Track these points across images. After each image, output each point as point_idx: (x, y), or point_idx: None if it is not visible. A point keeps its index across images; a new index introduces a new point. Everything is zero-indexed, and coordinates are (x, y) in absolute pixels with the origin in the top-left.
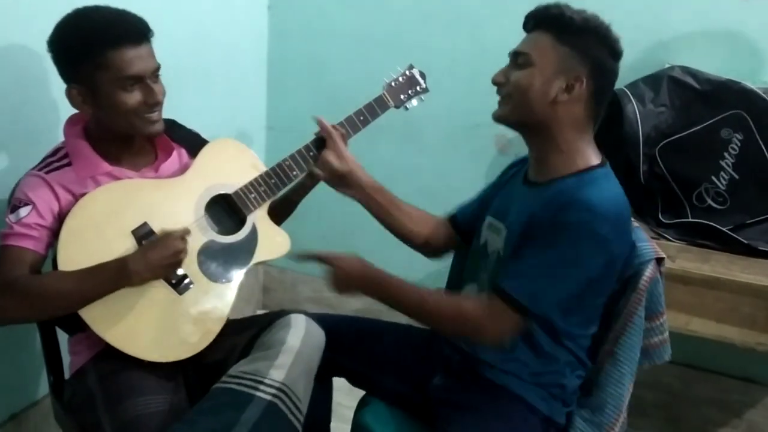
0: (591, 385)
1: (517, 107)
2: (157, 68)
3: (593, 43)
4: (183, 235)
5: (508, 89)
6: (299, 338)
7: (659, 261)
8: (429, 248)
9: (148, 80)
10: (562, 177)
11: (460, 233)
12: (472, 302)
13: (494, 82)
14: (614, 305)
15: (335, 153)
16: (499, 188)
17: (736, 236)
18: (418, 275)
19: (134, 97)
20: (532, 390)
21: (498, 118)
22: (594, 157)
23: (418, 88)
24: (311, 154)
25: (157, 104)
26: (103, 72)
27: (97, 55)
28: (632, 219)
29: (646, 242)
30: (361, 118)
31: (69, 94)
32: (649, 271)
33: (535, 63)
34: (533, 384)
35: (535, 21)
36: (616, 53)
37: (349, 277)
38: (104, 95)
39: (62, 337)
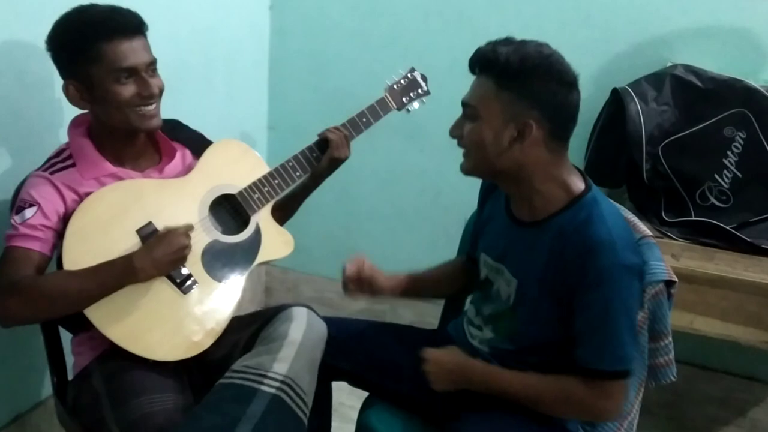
0: None
1: (477, 162)
2: (153, 61)
3: (538, 84)
4: (187, 231)
5: (465, 143)
6: (301, 331)
7: (669, 284)
8: (468, 291)
9: (143, 73)
10: (554, 214)
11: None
12: (574, 384)
13: (451, 136)
14: None
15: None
16: (482, 219)
17: (739, 234)
18: None
19: (128, 90)
20: None
21: (465, 172)
22: (577, 181)
23: (419, 90)
24: (314, 155)
25: (151, 97)
26: (98, 65)
27: (91, 49)
28: (651, 237)
29: (661, 262)
30: (364, 119)
31: (66, 90)
32: (655, 289)
33: (481, 116)
34: None
35: (476, 65)
36: (567, 83)
37: (448, 370)
38: (99, 89)
39: (65, 337)
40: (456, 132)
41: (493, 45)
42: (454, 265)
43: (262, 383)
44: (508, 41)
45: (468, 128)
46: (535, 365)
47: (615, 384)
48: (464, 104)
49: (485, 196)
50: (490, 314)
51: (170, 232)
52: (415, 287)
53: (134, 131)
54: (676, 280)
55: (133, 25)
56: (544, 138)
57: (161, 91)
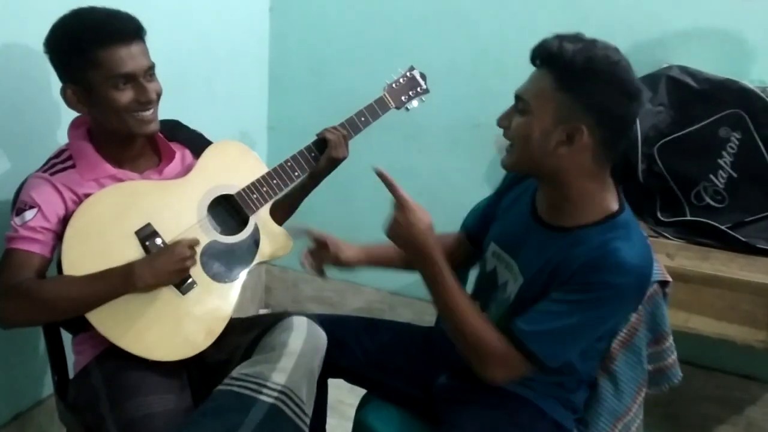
0: (590, 397)
1: (520, 157)
2: (151, 66)
3: (598, 89)
4: (191, 244)
5: (510, 136)
6: (301, 341)
7: (664, 284)
8: (457, 266)
9: (141, 79)
10: (582, 226)
11: (478, 246)
12: (493, 339)
13: (498, 125)
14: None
15: (334, 257)
16: (501, 206)
17: (734, 234)
18: (417, 275)
19: (126, 96)
20: (542, 398)
21: (506, 167)
22: (612, 203)
23: (418, 89)
24: (312, 154)
25: (149, 102)
26: (95, 71)
27: (89, 54)
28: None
29: (655, 263)
30: (362, 119)
31: (64, 94)
32: (651, 290)
33: (533, 111)
34: (543, 394)
35: (538, 57)
36: (629, 94)
37: (409, 233)
38: (97, 94)
39: (66, 336)
40: (504, 123)
41: (560, 40)
42: (444, 237)
43: (260, 392)
44: (577, 38)
45: (517, 122)
46: None
47: (525, 362)
48: (517, 97)
49: (510, 184)
50: (495, 314)
51: (174, 244)
52: (387, 254)
53: (132, 136)
54: (670, 280)
55: (131, 31)
56: (592, 146)
57: (159, 95)
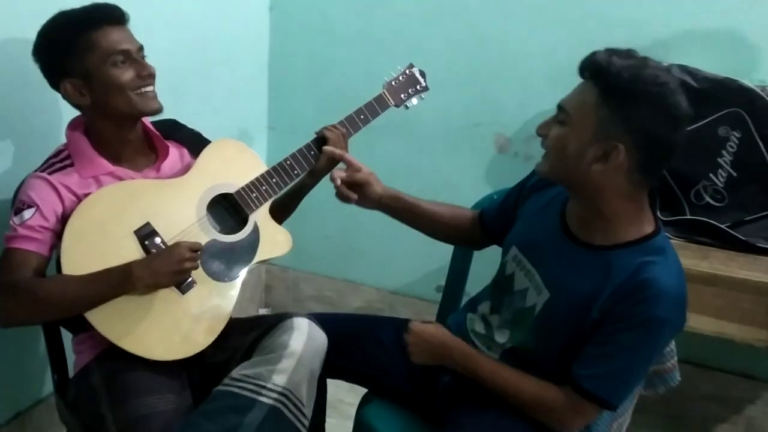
0: None
1: (554, 167)
2: (141, 47)
3: (641, 109)
4: (193, 248)
5: (548, 144)
6: (302, 342)
7: None
8: (467, 243)
9: (136, 56)
10: (616, 246)
11: (488, 235)
12: (555, 393)
13: (537, 134)
14: None
15: (353, 166)
16: (527, 208)
17: (734, 233)
18: (417, 275)
19: (127, 73)
20: None
21: (540, 174)
22: (647, 225)
23: (418, 86)
24: (312, 152)
25: (150, 76)
26: (92, 54)
27: (82, 40)
28: None
29: None
30: (362, 116)
31: (64, 91)
32: None
33: (572, 123)
34: None
35: (586, 69)
36: (674, 118)
37: (429, 345)
38: (98, 78)
39: (66, 336)
40: (543, 131)
41: (610, 54)
42: (461, 211)
43: (260, 393)
44: (628, 54)
45: (555, 131)
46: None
47: (593, 408)
48: (559, 107)
49: (541, 186)
50: (511, 318)
51: (175, 246)
52: (409, 206)
53: (137, 116)
54: None
55: (117, 15)
56: (629, 167)
57: (154, 75)
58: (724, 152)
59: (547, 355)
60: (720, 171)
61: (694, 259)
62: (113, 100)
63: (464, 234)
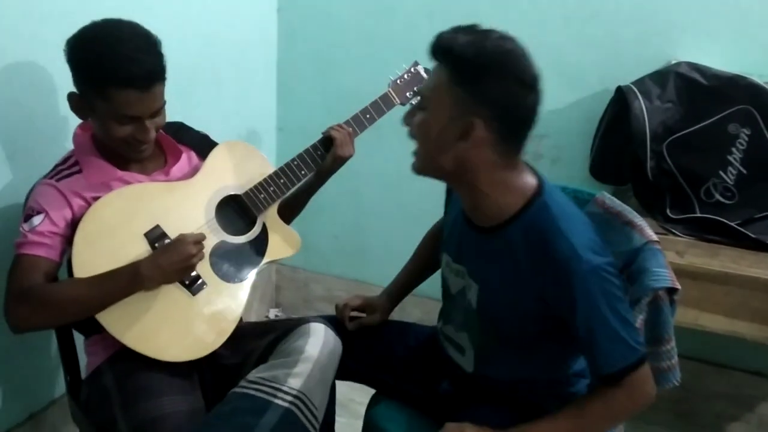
0: None
1: (424, 158)
2: (161, 107)
3: (490, 81)
4: (197, 240)
5: (413, 134)
6: (318, 347)
7: (672, 291)
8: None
9: (146, 120)
10: (507, 221)
11: None
12: (611, 393)
13: (403, 124)
14: None
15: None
16: (447, 219)
17: (744, 231)
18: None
19: (126, 130)
20: (548, 400)
21: (415, 171)
22: (529, 180)
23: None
24: (318, 152)
25: (145, 142)
26: (104, 102)
27: (102, 88)
28: (656, 243)
29: (664, 269)
30: (368, 116)
31: (69, 97)
32: (655, 295)
33: (430, 107)
34: (546, 396)
35: (435, 52)
36: (525, 83)
37: None
38: (99, 118)
39: (78, 337)
40: (407, 120)
41: (455, 32)
42: (429, 238)
43: (276, 396)
44: (470, 30)
45: (417, 118)
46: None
47: (640, 371)
48: (418, 92)
49: (448, 194)
50: (461, 321)
51: (179, 241)
52: (410, 281)
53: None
54: (679, 287)
55: (150, 76)
56: (492, 140)
57: (159, 128)
58: (734, 150)
59: (512, 350)
60: (730, 168)
61: (705, 257)
62: (105, 139)
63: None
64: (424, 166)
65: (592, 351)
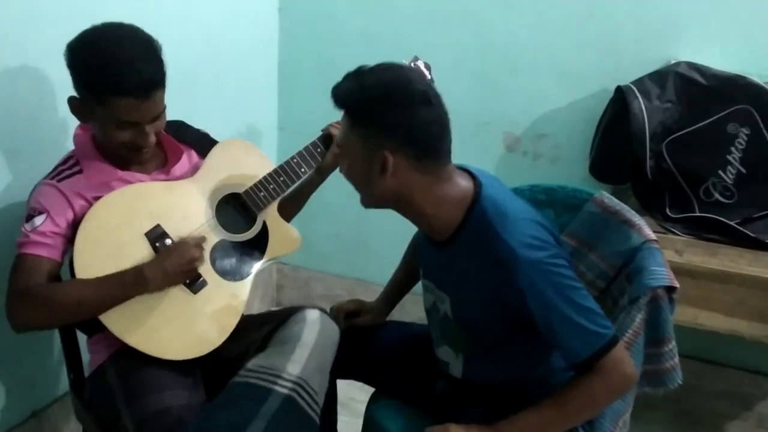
0: None
1: (365, 197)
2: (161, 112)
3: (383, 113)
4: (199, 242)
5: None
6: (315, 333)
7: (671, 289)
8: None
9: (146, 126)
10: (455, 234)
11: None
12: (588, 380)
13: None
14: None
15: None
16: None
17: (743, 230)
18: None
19: (125, 135)
20: (537, 396)
21: (365, 206)
22: (464, 186)
23: None
24: (318, 150)
25: (145, 147)
26: (103, 108)
27: (102, 95)
28: (654, 242)
29: (663, 267)
30: None
31: (70, 101)
32: (654, 294)
33: (347, 154)
34: (537, 392)
35: (336, 103)
36: (415, 104)
37: None
38: (98, 123)
39: (81, 335)
40: (340, 169)
41: (342, 81)
42: (415, 245)
43: (276, 383)
44: (355, 73)
45: (343, 167)
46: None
47: (612, 354)
48: (336, 143)
49: None
50: (441, 334)
51: (181, 244)
52: (400, 289)
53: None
54: (677, 286)
55: (150, 86)
56: (409, 165)
57: (159, 132)
58: (733, 149)
59: (493, 353)
60: (729, 168)
61: (704, 256)
62: (105, 143)
63: None
64: (368, 203)
65: (558, 343)
